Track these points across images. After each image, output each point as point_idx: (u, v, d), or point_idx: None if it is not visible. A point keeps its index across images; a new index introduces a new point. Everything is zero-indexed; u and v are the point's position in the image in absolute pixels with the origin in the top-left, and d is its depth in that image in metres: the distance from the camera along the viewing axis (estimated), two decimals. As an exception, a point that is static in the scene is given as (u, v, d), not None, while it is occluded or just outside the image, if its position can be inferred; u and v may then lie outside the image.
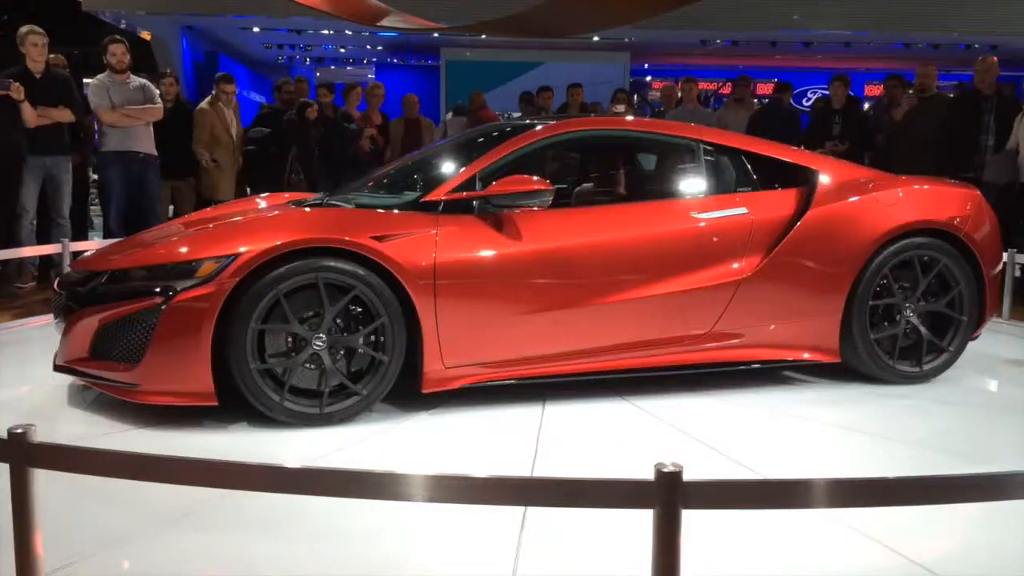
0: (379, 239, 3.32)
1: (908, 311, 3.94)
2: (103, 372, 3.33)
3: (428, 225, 3.44)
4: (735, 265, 3.77)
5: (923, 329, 3.96)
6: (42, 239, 6.30)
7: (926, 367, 3.98)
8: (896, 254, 3.89)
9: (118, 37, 6.65)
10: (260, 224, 3.52)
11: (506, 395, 3.68)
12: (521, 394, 3.70)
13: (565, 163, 4.82)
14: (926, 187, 4.16)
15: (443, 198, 3.56)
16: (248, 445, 3.15)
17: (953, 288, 3.98)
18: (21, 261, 6.26)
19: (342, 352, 3.36)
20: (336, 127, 7.75)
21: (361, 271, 3.28)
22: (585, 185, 4.59)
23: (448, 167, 4.03)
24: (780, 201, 3.94)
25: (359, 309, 3.37)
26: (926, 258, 3.94)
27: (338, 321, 3.34)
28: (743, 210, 3.84)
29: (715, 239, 3.77)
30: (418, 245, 3.37)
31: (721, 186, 3.99)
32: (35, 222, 6.27)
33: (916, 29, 13.01)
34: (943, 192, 4.16)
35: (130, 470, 1.78)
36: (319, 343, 3.29)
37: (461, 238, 3.46)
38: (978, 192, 4.25)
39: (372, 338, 3.37)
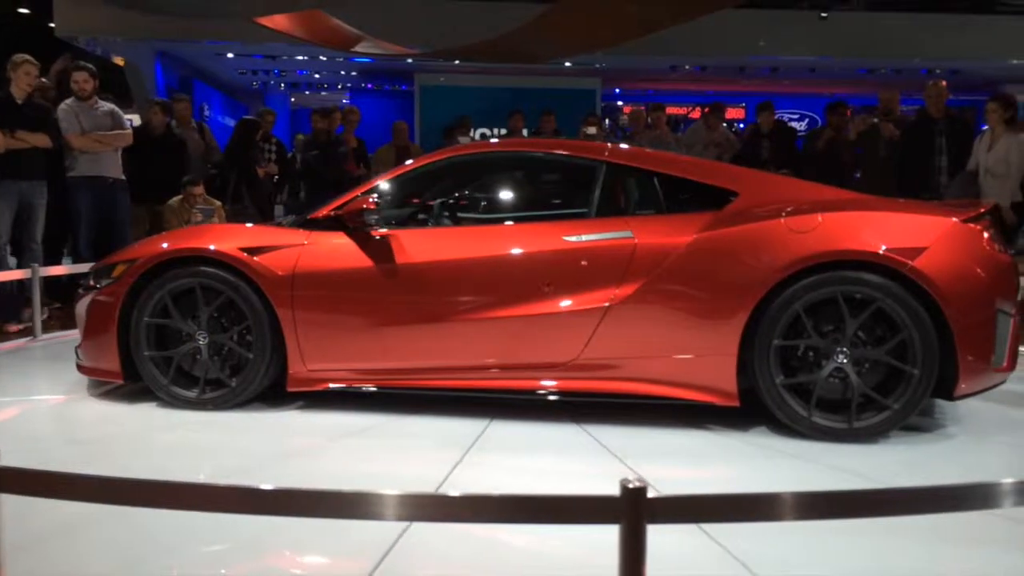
0: (251, 251, 3.74)
1: (840, 356, 3.39)
2: (78, 349, 4.06)
3: (298, 240, 3.80)
4: (606, 291, 3.54)
5: (854, 378, 3.38)
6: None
7: (857, 424, 3.38)
8: (812, 288, 3.37)
9: (81, 63, 6.61)
10: (168, 236, 4.23)
11: (380, 403, 3.86)
12: (399, 404, 3.85)
13: (469, 185, 4.59)
14: (874, 213, 3.57)
15: (320, 216, 3.88)
16: (116, 415, 3.78)
17: (901, 332, 3.34)
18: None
19: (226, 348, 3.80)
20: (329, 149, 8.09)
21: (231, 278, 3.71)
22: (463, 205, 4.36)
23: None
24: (680, 225, 3.61)
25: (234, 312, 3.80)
26: (859, 296, 3.37)
27: (223, 321, 3.81)
28: (627, 233, 3.61)
29: (584, 263, 3.58)
30: (282, 258, 3.74)
31: (614, 207, 3.80)
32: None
33: (879, 55, 13.32)
34: (891, 219, 3.50)
35: (101, 495, 1.77)
36: (200, 338, 3.78)
37: (323, 253, 3.76)
38: (954, 221, 3.45)
39: (248, 338, 3.75)
